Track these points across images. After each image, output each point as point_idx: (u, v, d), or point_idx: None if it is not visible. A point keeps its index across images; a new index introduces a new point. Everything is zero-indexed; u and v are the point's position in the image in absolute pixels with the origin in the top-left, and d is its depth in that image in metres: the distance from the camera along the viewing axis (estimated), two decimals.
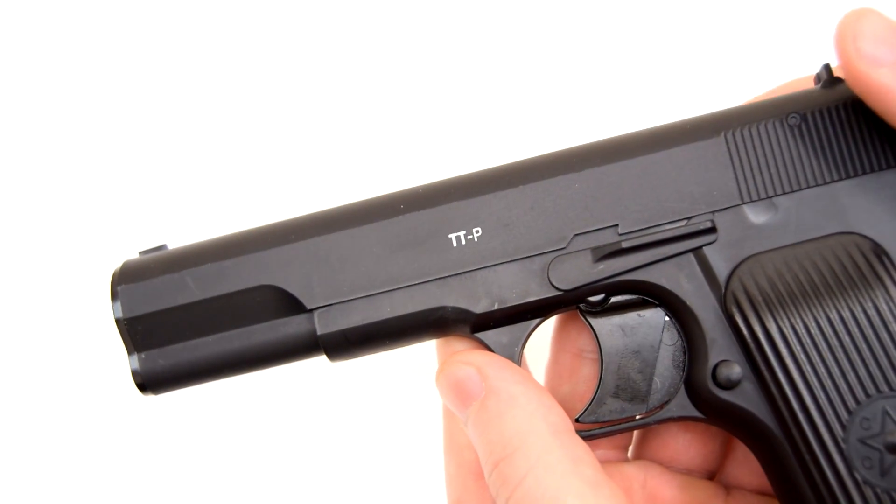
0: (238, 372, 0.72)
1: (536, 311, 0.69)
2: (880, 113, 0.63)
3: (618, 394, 0.69)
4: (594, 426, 0.70)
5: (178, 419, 1.08)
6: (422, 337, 0.70)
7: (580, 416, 0.69)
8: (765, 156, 0.67)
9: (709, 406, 0.67)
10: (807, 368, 0.63)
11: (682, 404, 0.68)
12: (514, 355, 0.69)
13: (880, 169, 0.66)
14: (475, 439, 0.65)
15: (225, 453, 1.08)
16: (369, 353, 0.71)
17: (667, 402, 0.68)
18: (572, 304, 0.69)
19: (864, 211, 0.66)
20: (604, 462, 0.75)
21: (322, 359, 0.72)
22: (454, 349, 0.72)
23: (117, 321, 0.70)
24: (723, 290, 0.66)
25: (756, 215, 0.67)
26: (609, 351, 0.69)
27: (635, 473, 0.74)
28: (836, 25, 0.62)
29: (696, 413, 0.68)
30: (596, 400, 0.69)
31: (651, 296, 0.69)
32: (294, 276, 0.69)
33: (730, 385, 0.65)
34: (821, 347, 0.63)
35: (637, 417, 0.69)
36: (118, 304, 0.69)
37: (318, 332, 0.69)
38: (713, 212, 0.67)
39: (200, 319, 0.70)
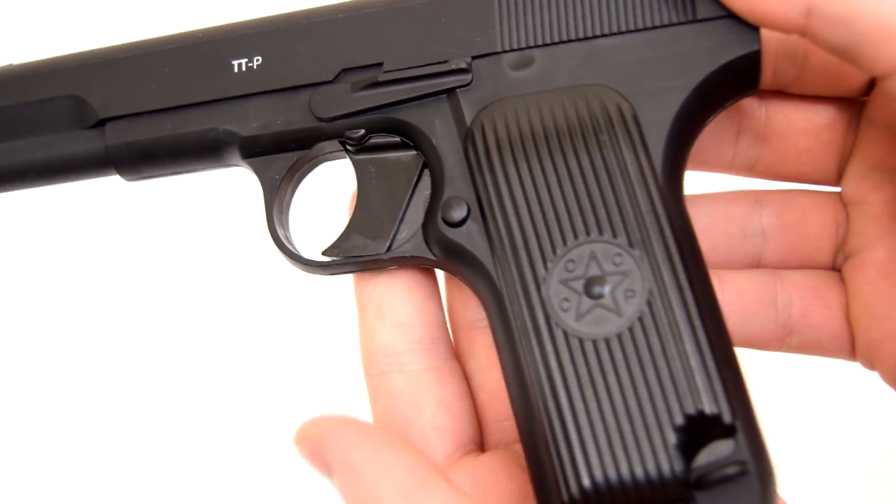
0: (33, 182, 0.76)
1: (299, 140, 0.71)
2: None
3: (363, 231, 0.69)
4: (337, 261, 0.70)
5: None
6: (201, 160, 0.73)
7: (325, 249, 0.70)
8: (532, 8, 0.67)
9: (437, 245, 0.66)
10: (522, 208, 0.62)
11: (417, 244, 0.68)
12: (275, 183, 0.71)
13: (647, 28, 0.65)
14: None
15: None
16: (157, 173, 0.75)
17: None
18: (333, 136, 0.70)
19: (623, 67, 0.65)
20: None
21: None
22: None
23: None
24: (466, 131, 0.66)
25: (514, 64, 0.67)
26: (364, 189, 0.70)
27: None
28: None
29: (429, 254, 0.67)
30: (343, 234, 0.70)
31: (406, 136, 0.69)
32: (92, 87, 0.74)
33: (454, 223, 0.65)
34: (540, 190, 0.62)
35: (375, 255, 0.69)
36: None
37: (107, 143, 0.73)
38: (473, 57, 0.67)
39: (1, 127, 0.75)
